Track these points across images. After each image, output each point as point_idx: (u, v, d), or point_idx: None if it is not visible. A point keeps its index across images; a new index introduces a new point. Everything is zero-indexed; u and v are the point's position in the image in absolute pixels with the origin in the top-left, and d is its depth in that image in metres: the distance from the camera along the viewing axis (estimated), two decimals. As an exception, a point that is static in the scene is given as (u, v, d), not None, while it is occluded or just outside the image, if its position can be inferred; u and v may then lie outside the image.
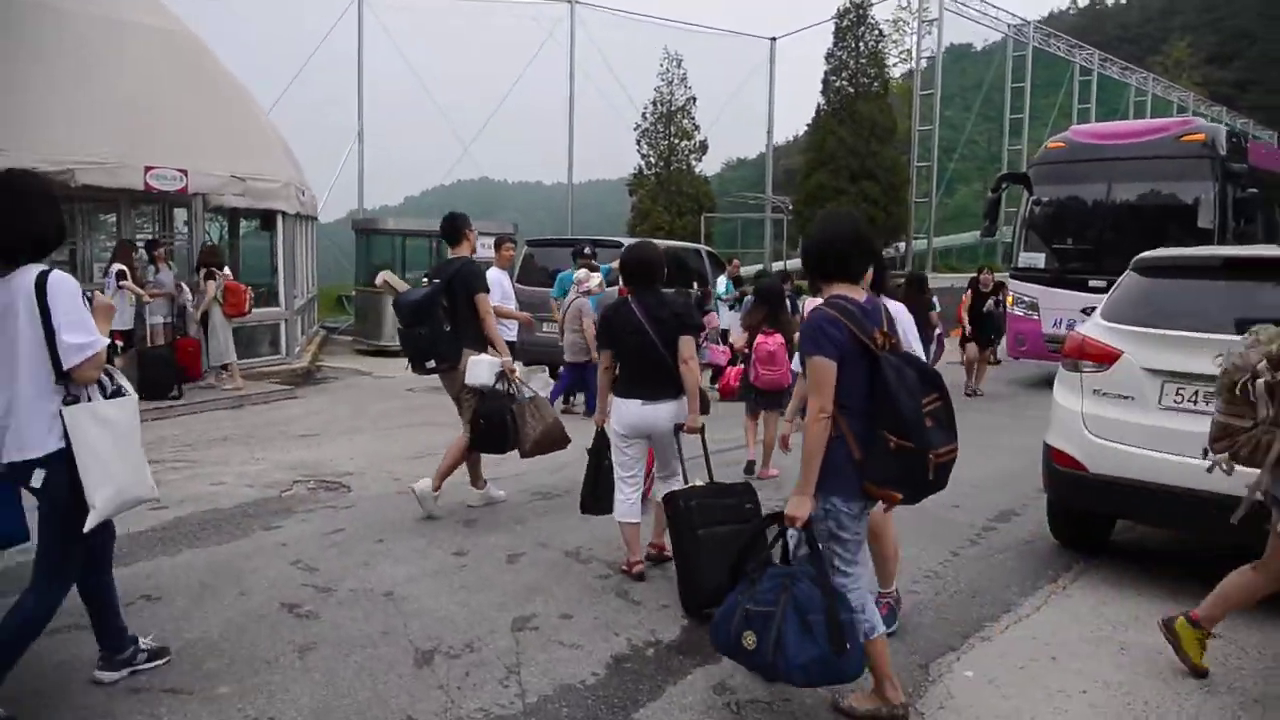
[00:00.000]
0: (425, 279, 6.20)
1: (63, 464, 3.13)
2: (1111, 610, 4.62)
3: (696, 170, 27.83)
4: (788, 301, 8.38)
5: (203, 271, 11.14)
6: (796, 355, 3.75)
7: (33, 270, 3.14)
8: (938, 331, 11.87)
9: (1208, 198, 11.67)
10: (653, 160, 27.18)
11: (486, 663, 3.83)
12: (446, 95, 25.48)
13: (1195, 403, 4.63)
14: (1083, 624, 4.46)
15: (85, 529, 3.17)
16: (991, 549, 5.63)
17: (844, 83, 27.06)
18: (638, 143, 27.41)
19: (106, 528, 3.47)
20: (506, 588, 4.72)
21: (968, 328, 12.85)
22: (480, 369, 5.77)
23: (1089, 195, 12.94)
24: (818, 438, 3.19)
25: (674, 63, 27.12)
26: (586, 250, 10.69)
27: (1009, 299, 13.30)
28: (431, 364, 5.97)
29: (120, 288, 10.27)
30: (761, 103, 30.33)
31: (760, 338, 7.21)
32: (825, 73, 27.43)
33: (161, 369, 10.35)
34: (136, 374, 9.83)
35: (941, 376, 3.36)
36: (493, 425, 5.74)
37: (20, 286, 3.11)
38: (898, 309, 3.37)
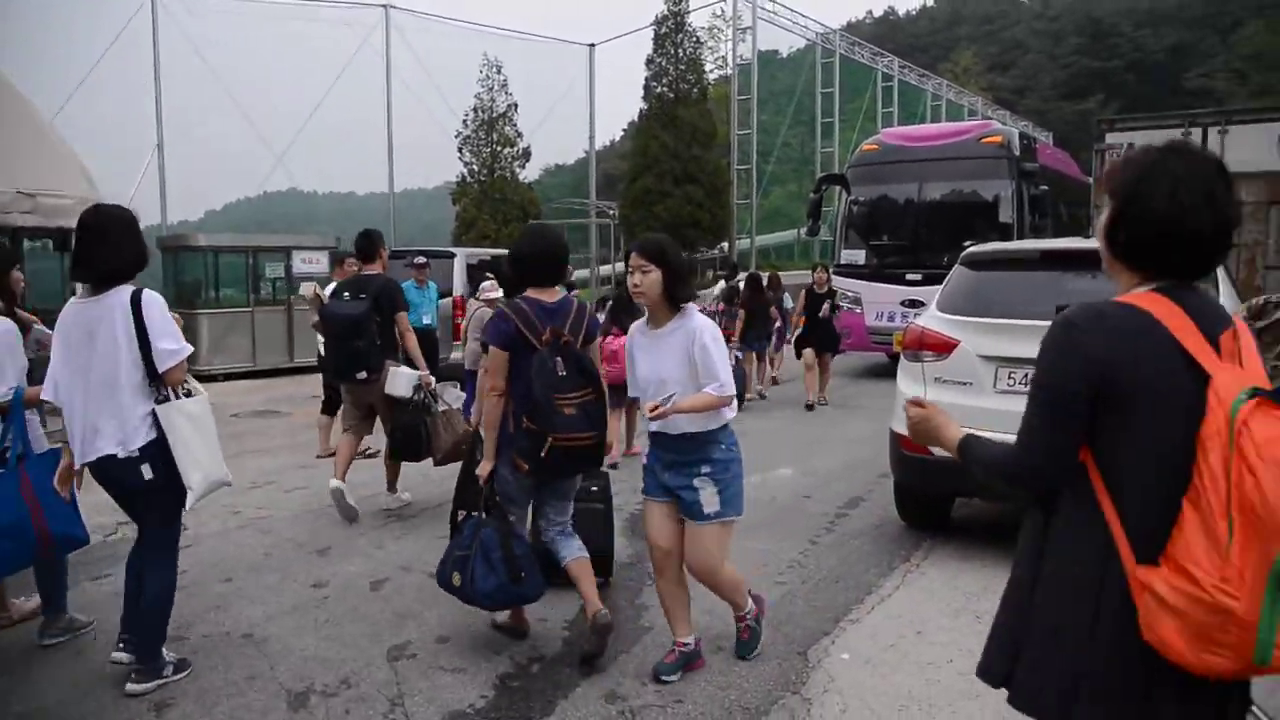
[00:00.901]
0: (346, 294, 6.44)
1: (159, 456, 3.62)
2: (963, 582, 4.90)
3: (520, 177, 27.69)
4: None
5: None
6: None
7: (125, 290, 3.63)
8: (777, 325, 12.31)
9: (1006, 195, 12.63)
10: (476, 168, 26.83)
11: (367, 697, 3.66)
12: (254, 103, 24.27)
13: (1026, 385, 4.98)
14: (939, 599, 4.71)
15: (186, 508, 3.75)
16: (846, 535, 5.86)
17: (664, 88, 27.61)
18: (459, 150, 27.00)
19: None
20: (375, 617, 4.53)
21: (795, 332, 11.77)
22: (399, 381, 6.05)
23: (901, 194, 13.73)
24: (490, 412, 3.93)
25: (494, 69, 26.90)
26: (419, 260, 10.46)
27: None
28: (362, 375, 6.11)
29: None
30: (581, 109, 30.56)
31: (607, 339, 7.39)
32: (646, 78, 27.91)
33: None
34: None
35: (599, 376, 3.94)
36: (408, 436, 6.07)
37: (115, 304, 3.59)
38: (703, 323, 3.61)
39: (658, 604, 4.62)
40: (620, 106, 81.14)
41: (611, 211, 28.68)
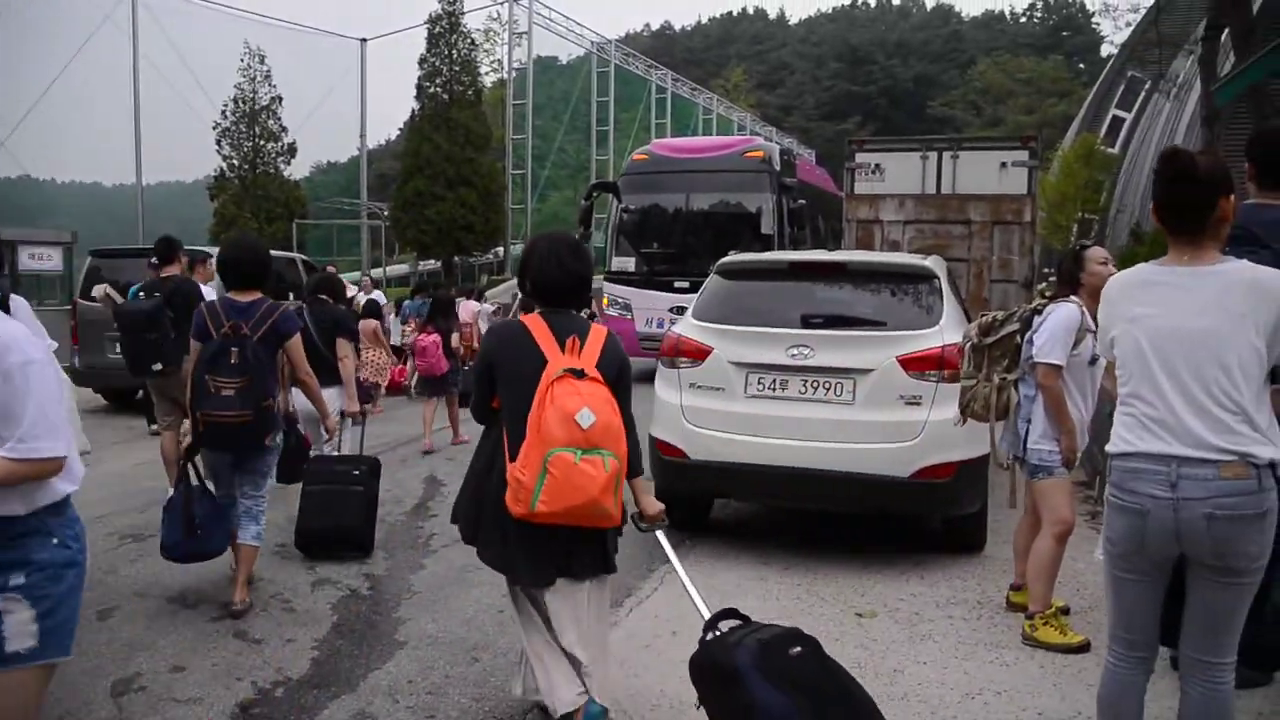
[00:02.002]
0: (140, 293, 7.00)
1: None
2: (719, 580, 5.10)
3: (285, 174, 26.34)
4: (456, 308, 10.26)
5: None
6: None
7: None
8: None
9: (768, 207, 13.30)
10: (236, 162, 25.27)
11: (82, 739, 3.35)
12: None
13: (774, 390, 5.27)
14: (695, 598, 4.87)
15: None
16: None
17: (438, 89, 27.09)
18: (218, 143, 25.35)
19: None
20: (100, 650, 4.14)
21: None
22: None
23: (670, 204, 14.17)
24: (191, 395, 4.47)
25: (256, 59, 25.44)
26: (154, 261, 9.71)
27: (604, 301, 14.12)
28: (158, 366, 6.27)
29: None
30: (353, 105, 29.52)
31: (420, 336, 8.63)
32: (419, 78, 27.28)
33: None
34: None
35: (264, 368, 4.44)
36: None
37: None
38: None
39: (414, 617, 4.54)
40: (395, 106, 79.00)
41: (383, 212, 27.84)
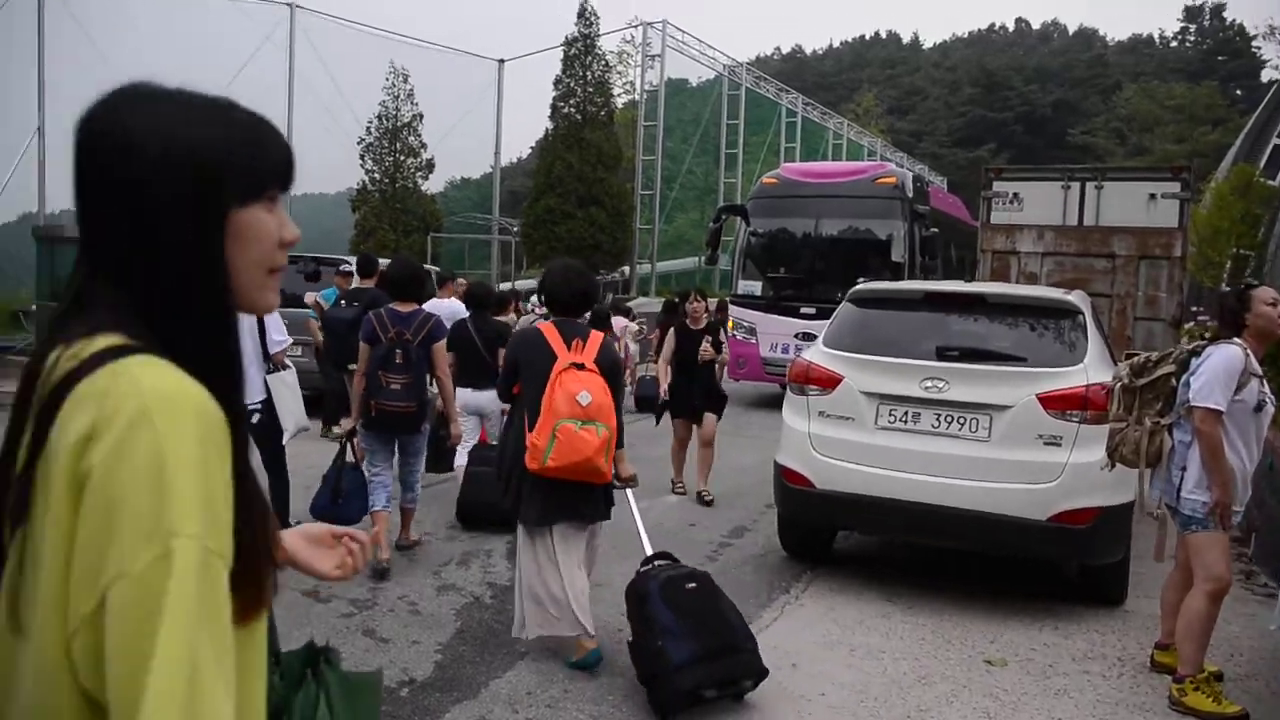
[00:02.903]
0: (341, 302, 8.19)
1: (266, 407, 5.43)
2: (840, 614, 4.99)
3: (423, 188, 27.29)
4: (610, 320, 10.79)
5: None
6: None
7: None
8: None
9: (898, 235, 13.02)
10: (377, 176, 26.34)
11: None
12: (146, 93, 23.28)
13: (906, 422, 5.14)
14: (815, 630, 4.79)
15: (283, 441, 5.63)
16: (730, 564, 5.91)
17: (572, 109, 27.63)
18: (361, 158, 26.45)
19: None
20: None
21: (665, 386, 7.72)
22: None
23: (798, 229, 14.02)
24: (357, 384, 5.45)
25: (400, 78, 26.49)
26: (345, 268, 10.25)
27: (729, 324, 14.06)
28: (353, 366, 6.63)
29: None
30: (487, 123, 30.28)
31: None
32: (554, 98, 27.88)
33: None
34: None
35: (424, 367, 5.35)
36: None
37: None
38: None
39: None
40: (528, 124, 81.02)
41: (514, 228, 28.50)
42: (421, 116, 26.81)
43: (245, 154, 1.02)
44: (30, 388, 0.96)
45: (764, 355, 13.24)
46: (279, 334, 5.59)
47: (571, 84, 27.78)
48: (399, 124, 26.42)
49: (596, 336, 4.20)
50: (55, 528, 0.86)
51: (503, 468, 4.27)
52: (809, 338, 12.54)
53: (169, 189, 0.96)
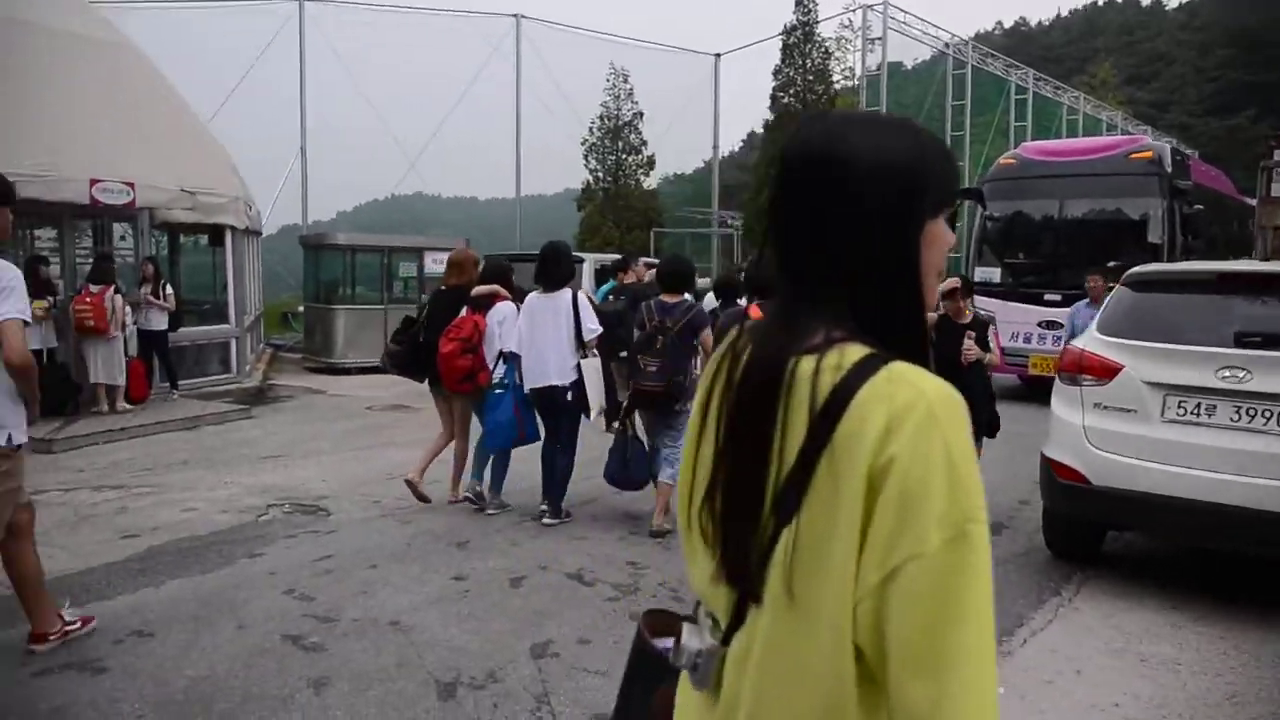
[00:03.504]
0: (609, 296, 9.01)
1: (577, 388, 6.07)
2: (1122, 621, 4.65)
3: (645, 185, 27.87)
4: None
5: (147, 287, 10.83)
6: None
7: (567, 292, 6.20)
8: None
9: (1156, 214, 12.00)
10: (600, 175, 27.14)
11: (513, 693, 3.70)
12: (390, 110, 25.08)
13: (1198, 415, 4.71)
14: (1097, 636, 4.48)
15: (588, 420, 6.30)
16: (992, 562, 5.63)
17: (791, 99, 27.36)
18: (585, 157, 27.36)
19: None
20: (516, 614, 4.58)
21: None
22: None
23: (1041, 211, 13.21)
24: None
25: (620, 78, 27.16)
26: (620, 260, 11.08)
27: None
28: (624, 354, 7.18)
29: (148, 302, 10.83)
30: (703, 118, 30.49)
31: None
32: (773, 89, 27.74)
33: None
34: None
35: (680, 350, 5.80)
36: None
37: (563, 299, 6.14)
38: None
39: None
40: (735, 119, 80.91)
41: (735, 222, 28.55)
42: (642, 114, 27.39)
43: (938, 170, 1.12)
44: (770, 395, 1.06)
45: (1004, 345, 12.54)
46: (592, 323, 6.13)
47: (791, 73, 27.54)
48: (620, 123, 27.10)
49: None
50: (846, 513, 0.97)
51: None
52: (1053, 326, 11.82)
53: (883, 201, 1.07)
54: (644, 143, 27.36)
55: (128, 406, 10.36)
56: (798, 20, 27.62)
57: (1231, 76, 68.18)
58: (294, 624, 4.39)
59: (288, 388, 13.66)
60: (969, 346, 5.76)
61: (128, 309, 10.51)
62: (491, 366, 6.35)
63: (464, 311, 6.53)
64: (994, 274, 13.29)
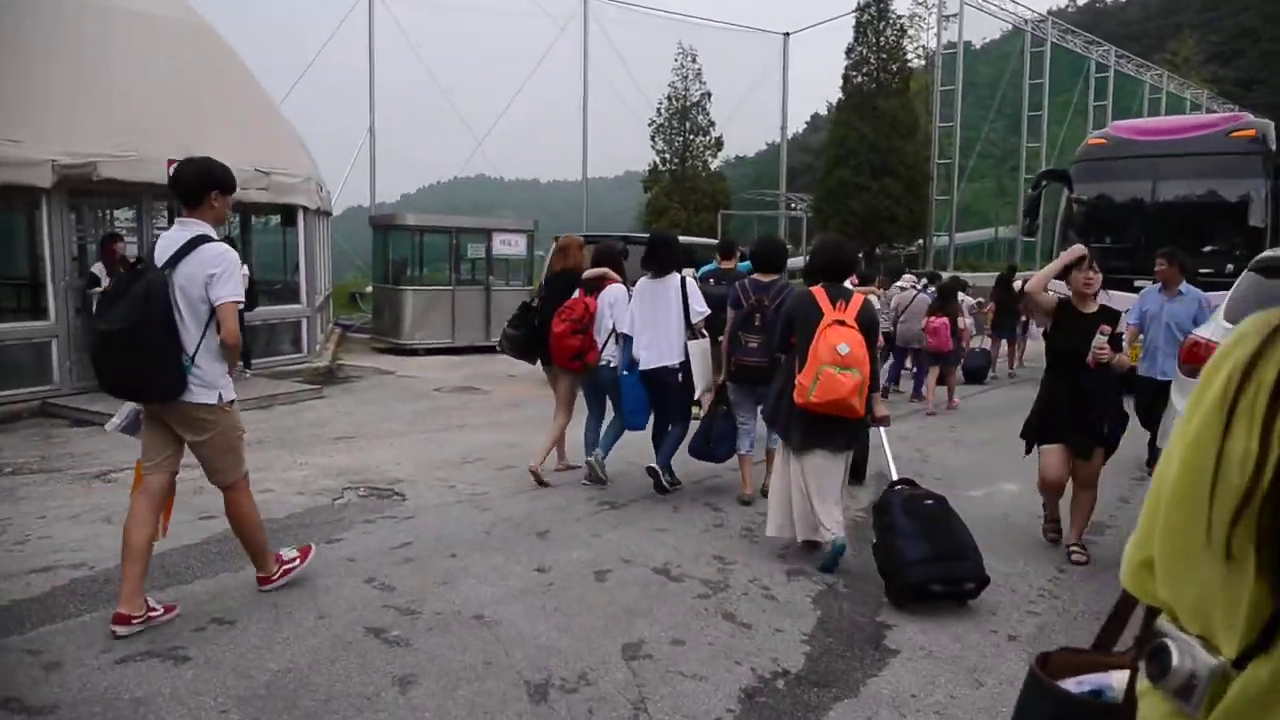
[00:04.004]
0: (709, 279, 8.74)
1: (685, 368, 6.34)
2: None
3: (712, 166, 27.49)
4: (958, 295, 11.52)
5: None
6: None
7: (676, 276, 6.45)
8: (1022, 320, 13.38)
9: (1260, 195, 11.40)
10: (668, 156, 26.82)
11: (607, 698, 3.51)
12: (459, 92, 25.11)
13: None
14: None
15: (695, 397, 6.50)
16: (1096, 564, 5.31)
17: (864, 78, 26.71)
18: (652, 139, 27.05)
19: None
20: (604, 610, 4.40)
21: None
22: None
23: (1133, 193, 12.65)
24: (723, 348, 6.38)
25: (689, 58, 26.77)
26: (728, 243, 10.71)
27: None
28: (722, 337, 7.22)
29: None
30: (770, 99, 29.97)
31: (931, 319, 10.60)
32: (845, 68, 27.08)
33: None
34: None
35: (768, 322, 5.92)
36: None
37: (672, 283, 6.42)
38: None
39: (899, 624, 4.31)
40: (801, 100, 79.70)
41: (803, 203, 28.05)
42: (710, 95, 26.98)
43: None
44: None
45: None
46: (699, 305, 6.38)
47: (864, 51, 26.87)
48: (688, 103, 26.74)
49: (858, 298, 5.01)
50: None
51: (773, 402, 5.22)
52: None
53: None
54: (711, 124, 26.94)
55: None
56: (872, -2, 26.93)
57: (1323, 53, 65.15)
58: (376, 616, 4.26)
59: (357, 368, 13.69)
60: (1101, 345, 4.77)
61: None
62: (601, 346, 6.56)
63: (576, 293, 6.71)
64: (1081, 259, 12.75)
